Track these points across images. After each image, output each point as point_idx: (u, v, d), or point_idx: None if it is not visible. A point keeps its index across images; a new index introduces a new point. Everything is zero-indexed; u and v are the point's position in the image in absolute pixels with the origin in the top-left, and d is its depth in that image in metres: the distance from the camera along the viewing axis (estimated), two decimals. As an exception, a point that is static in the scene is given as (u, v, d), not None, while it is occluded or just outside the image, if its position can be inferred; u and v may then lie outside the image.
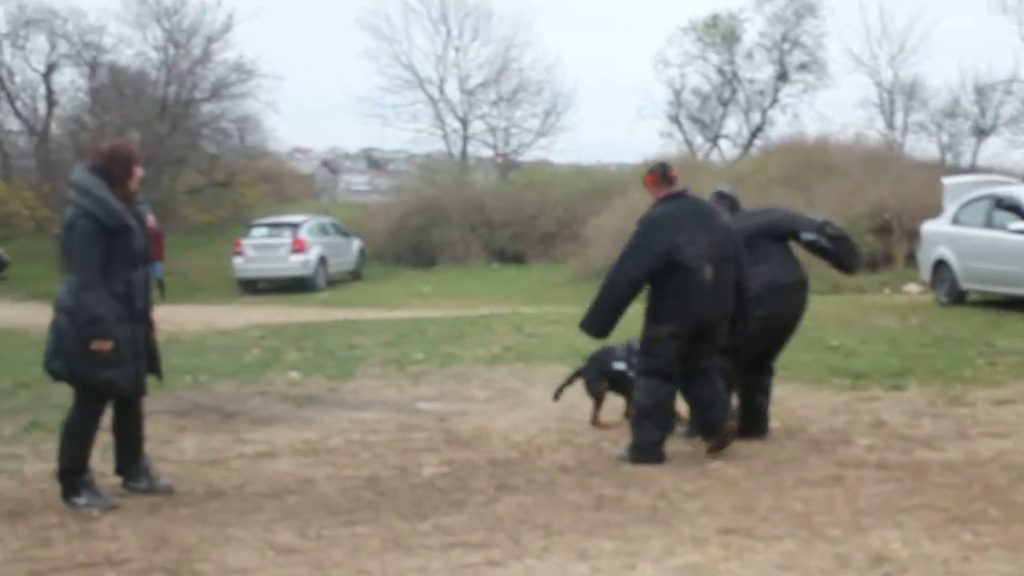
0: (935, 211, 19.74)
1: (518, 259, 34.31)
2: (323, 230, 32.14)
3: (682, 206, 7.91)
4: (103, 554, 5.91)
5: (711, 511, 6.50)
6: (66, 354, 6.80)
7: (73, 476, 6.90)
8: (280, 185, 47.19)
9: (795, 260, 8.68)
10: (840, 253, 8.71)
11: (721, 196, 8.85)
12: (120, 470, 7.28)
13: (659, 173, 8.08)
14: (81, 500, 6.85)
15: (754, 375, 8.58)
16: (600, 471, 7.61)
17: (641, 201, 24.86)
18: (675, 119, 48.71)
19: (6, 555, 5.93)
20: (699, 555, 5.66)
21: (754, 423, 8.54)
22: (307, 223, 31.59)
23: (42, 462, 8.02)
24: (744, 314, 8.05)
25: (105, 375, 6.82)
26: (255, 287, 30.29)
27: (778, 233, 8.63)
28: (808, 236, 8.60)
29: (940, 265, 18.29)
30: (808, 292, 8.76)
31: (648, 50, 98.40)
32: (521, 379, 11.49)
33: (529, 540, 6.01)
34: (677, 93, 48.50)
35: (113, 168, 6.96)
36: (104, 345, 6.74)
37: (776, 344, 8.70)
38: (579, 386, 9.36)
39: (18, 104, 40.36)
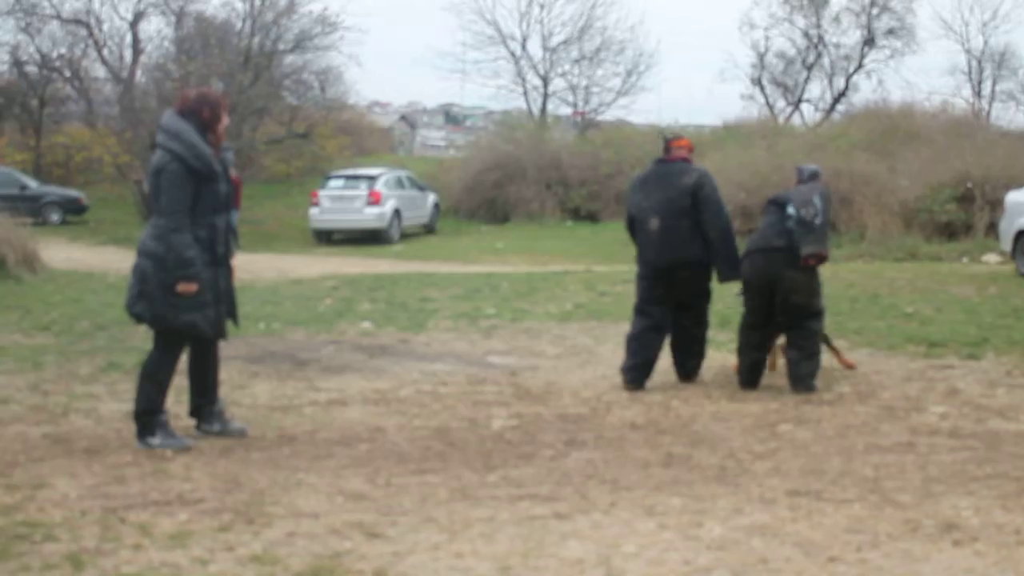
0: (1020, 181, 19.39)
1: (592, 218, 34.14)
2: (399, 183, 32.17)
3: (655, 170, 9.24)
4: (176, 493, 6.00)
5: (780, 473, 6.47)
6: (149, 297, 6.88)
7: (149, 416, 7.00)
8: (358, 138, 47.38)
9: (777, 229, 8.80)
10: (796, 234, 8.69)
11: (797, 171, 9.40)
12: (194, 412, 7.38)
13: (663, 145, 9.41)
14: (155, 440, 6.95)
15: (787, 333, 9.03)
16: (669, 429, 7.60)
17: (719, 162, 24.76)
18: (757, 82, 48.44)
19: (81, 491, 6.04)
20: (767, 515, 5.64)
21: (790, 379, 8.88)
22: (383, 176, 31.62)
23: (118, 402, 8.17)
24: (721, 260, 9.00)
25: (187, 318, 6.90)
26: (330, 238, 30.43)
27: (780, 204, 8.95)
28: (789, 210, 8.78)
29: (1022, 236, 17.95)
30: (780, 258, 8.71)
31: (734, 12, 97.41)
32: (592, 337, 11.48)
33: (596, 495, 6.02)
34: (761, 56, 48.24)
35: (203, 112, 7.02)
36: (190, 287, 6.81)
37: (779, 308, 8.82)
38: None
39: (104, 52, 40.75)
